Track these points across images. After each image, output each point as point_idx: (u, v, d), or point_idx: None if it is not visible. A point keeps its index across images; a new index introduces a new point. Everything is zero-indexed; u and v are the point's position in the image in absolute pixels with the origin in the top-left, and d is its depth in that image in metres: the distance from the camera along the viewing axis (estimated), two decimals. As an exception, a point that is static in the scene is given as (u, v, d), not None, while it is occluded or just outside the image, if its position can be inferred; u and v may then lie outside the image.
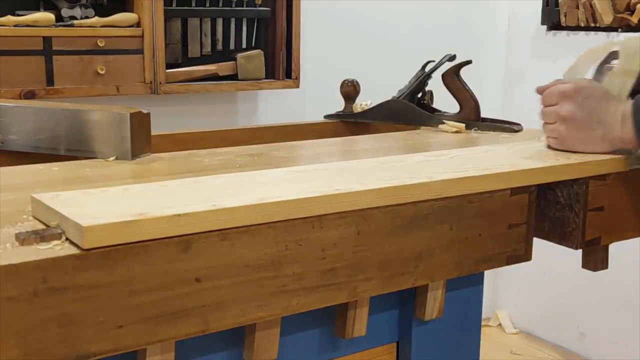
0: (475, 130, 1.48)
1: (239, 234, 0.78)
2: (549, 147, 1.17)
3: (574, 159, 1.09)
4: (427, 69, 1.57)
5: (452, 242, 0.96)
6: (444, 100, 1.57)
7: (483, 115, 1.53)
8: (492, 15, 2.94)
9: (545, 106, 1.16)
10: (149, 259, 0.73)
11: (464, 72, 1.52)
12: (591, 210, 1.08)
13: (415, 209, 0.92)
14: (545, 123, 1.17)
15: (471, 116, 1.50)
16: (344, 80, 1.64)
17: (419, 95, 1.58)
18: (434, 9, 2.77)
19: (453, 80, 1.51)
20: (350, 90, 1.63)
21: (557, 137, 1.14)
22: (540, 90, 1.18)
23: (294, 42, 2.30)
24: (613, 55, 1.21)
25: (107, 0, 2.07)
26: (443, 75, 1.52)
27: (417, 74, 1.58)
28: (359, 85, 1.64)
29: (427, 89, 1.58)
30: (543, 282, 2.90)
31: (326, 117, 1.65)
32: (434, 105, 1.59)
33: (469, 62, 1.50)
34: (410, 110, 1.57)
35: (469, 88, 1.51)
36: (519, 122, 1.51)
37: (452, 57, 1.54)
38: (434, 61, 1.56)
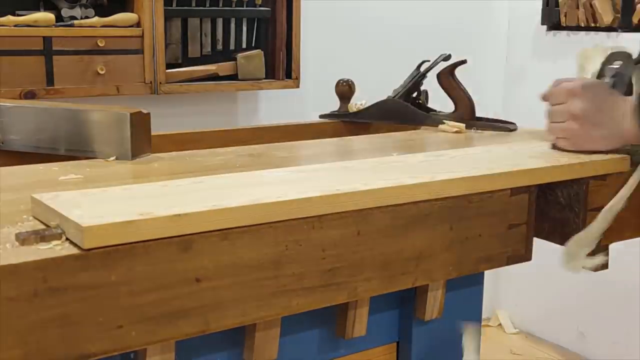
0: (475, 130, 1.48)
1: (239, 234, 0.78)
2: (556, 147, 1.14)
3: (574, 159, 1.09)
4: (422, 68, 1.57)
5: (452, 242, 0.96)
6: (439, 100, 1.57)
7: (480, 114, 1.53)
8: (492, 15, 2.94)
9: (554, 105, 1.14)
10: (149, 259, 0.73)
11: (464, 72, 1.52)
12: (591, 210, 1.08)
13: (415, 209, 0.92)
14: (553, 122, 1.14)
15: (466, 115, 1.50)
16: (339, 80, 1.64)
17: (414, 94, 1.58)
18: (434, 9, 2.77)
19: (448, 79, 1.51)
20: (345, 89, 1.64)
21: (569, 136, 1.12)
22: (546, 94, 1.16)
23: (294, 42, 2.30)
24: (615, 56, 1.22)
25: (107, 0, 2.07)
26: (438, 75, 1.52)
27: (412, 73, 1.59)
28: (354, 84, 1.64)
29: (422, 88, 1.59)
30: (543, 282, 2.90)
31: (321, 116, 1.65)
32: (429, 105, 1.59)
33: (463, 62, 1.50)
34: (405, 110, 1.57)
35: (463, 87, 1.52)
36: (514, 122, 1.51)
37: (447, 57, 1.54)
38: (429, 61, 1.56)
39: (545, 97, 1.16)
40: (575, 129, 1.11)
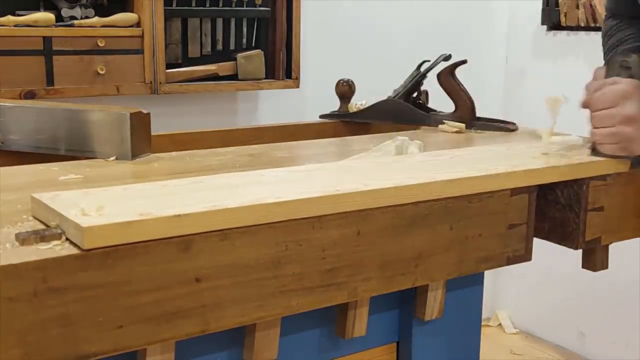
0: (475, 130, 1.48)
1: (239, 234, 0.78)
2: (599, 153, 1.09)
3: (574, 159, 1.09)
4: (423, 68, 1.57)
5: (452, 242, 0.96)
6: (439, 100, 1.57)
7: (480, 114, 1.53)
8: (492, 15, 2.94)
9: (599, 110, 1.08)
10: (149, 259, 0.73)
11: (464, 72, 1.52)
12: (591, 210, 1.08)
13: (415, 209, 0.92)
14: (598, 128, 1.08)
15: (466, 115, 1.50)
16: (339, 80, 1.65)
17: (414, 94, 1.58)
18: (434, 9, 2.77)
19: (448, 79, 1.51)
20: (345, 89, 1.64)
21: (620, 140, 1.07)
22: (587, 100, 1.11)
23: (294, 42, 2.30)
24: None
25: (107, 0, 2.07)
26: (438, 75, 1.52)
27: (412, 73, 1.59)
28: (354, 84, 1.64)
29: (422, 88, 1.59)
30: (543, 282, 2.90)
31: (321, 116, 1.65)
32: (429, 105, 1.59)
33: (464, 62, 1.50)
34: (405, 110, 1.57)
35: (464, 87, 1.52)
36: (514, 122, 1.51)
37: (448, 57, 1.54)
38: (429, 61, 1.56)
39: (586, 104, 1.11)
40: (627, 132, 1.06)
